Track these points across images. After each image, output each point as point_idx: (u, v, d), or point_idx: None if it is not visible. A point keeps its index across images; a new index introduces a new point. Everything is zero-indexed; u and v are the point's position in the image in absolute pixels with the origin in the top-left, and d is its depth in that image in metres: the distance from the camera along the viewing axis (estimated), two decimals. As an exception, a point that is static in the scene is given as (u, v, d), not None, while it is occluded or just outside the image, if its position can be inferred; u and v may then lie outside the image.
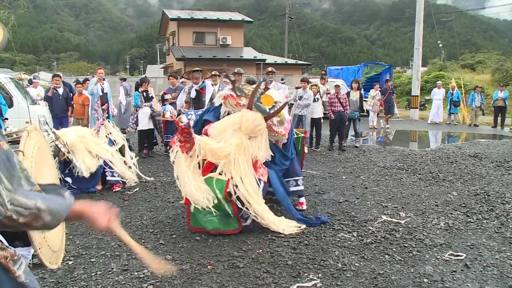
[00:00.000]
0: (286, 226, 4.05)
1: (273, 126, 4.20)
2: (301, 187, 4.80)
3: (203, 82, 7.07)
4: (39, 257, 1.78)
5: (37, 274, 3.03)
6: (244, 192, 3.79)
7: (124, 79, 10.25)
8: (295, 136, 5.06)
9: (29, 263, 1.71)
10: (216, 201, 3.79)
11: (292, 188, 4.73)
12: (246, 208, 3.83)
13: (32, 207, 1.15)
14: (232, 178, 3.83)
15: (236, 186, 3.80)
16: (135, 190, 5.71)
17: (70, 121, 9.08)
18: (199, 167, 3.95)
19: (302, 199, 4.91)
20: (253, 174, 3.97)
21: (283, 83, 12.72)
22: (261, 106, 4.19)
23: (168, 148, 8.60)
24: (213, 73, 7.78)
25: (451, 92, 15.00)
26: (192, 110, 7.13)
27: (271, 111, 4.20)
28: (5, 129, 5.73)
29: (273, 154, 4.38)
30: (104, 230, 1.41)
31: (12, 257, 1.31)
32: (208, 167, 3.98)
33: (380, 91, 13.85)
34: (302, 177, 4.85)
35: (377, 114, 14.12)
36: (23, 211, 1.14)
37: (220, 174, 3.90)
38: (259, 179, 4.03)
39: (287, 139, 4.52)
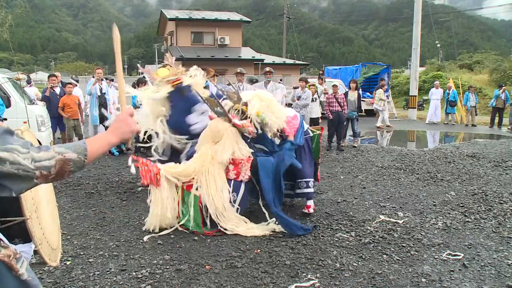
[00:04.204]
0: (258, 231, 4.04)
1: (237, 122, 4.19)
2: (312, 189, 4.65)
3: (206, 81, 7.07)
4: (40, 253, 1.78)
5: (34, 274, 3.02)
6: (215, 211, 4.01)
7: (111, 80, 10.24)
8: (311, 134, 4.83)
9: (30, 261, 1.73)
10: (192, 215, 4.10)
11: (303, 190, 4.63)
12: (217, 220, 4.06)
13: (53, 155, 1.17)
14: (203, 187, 4.06)
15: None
16: (133, 190, 5.70)
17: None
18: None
19: (310, 202, 4.71)
20: (225, 184, 4.11)
21: (281, 83, 12.79)
22: (216, 110, 4.29)
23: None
24: (210, 73, 7.78)
25: (448, 92, 15.03)
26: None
27: (221, 110, 4.22)
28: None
29: (270, 149, 4.40)
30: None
31: (15, 255, 1.30)
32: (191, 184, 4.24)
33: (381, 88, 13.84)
34: (313, 180, 4.72)
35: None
36: (48, 162, 1.15)
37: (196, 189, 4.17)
38: (240, 181, 4.15)
39: (287, 134, 4.44)
